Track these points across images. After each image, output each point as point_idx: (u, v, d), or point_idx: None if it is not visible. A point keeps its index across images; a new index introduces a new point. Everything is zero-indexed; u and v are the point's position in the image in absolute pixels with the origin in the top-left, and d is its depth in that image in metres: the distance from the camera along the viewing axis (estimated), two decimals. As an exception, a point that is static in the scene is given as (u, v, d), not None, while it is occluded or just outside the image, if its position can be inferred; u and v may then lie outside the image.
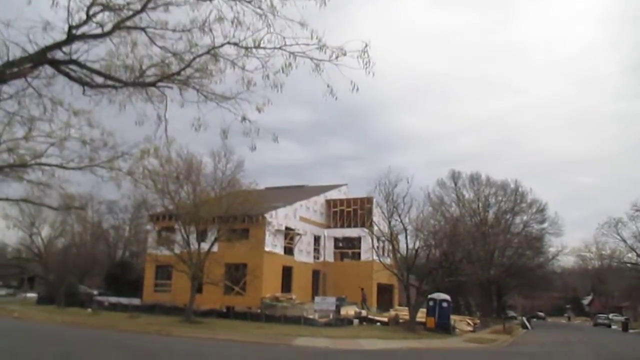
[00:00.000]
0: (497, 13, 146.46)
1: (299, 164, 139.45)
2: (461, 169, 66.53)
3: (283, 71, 9.70)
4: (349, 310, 39.07)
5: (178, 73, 9.98)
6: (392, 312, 41.48)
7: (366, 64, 9.33)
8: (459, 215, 58.17)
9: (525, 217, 65.27)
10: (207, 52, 9.88)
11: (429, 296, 35.37)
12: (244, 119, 10.38)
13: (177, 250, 36.56)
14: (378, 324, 36.64)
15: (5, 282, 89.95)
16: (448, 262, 36.45)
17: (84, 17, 9.84)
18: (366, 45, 9.21)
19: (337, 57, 9.41)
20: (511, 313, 76.85)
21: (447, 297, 35.63)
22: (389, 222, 37.08)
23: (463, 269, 37.65)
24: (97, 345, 22.34)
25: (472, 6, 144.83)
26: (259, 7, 9.82)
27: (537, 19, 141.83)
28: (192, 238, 35.78)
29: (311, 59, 9.52)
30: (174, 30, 10.24)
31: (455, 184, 65.44)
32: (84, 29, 9.86)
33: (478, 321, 43.31)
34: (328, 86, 9.65)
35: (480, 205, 64.37)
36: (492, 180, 64.51)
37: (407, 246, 36.61)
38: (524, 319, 56.11)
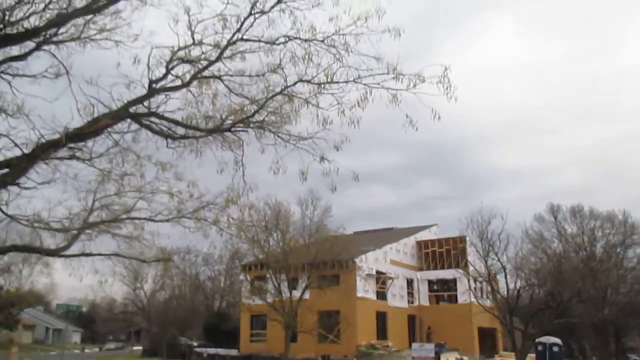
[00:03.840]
0: (589, 42, 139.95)
1: (388, 207, 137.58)
2: (561, 203, 62.11)
3: (359, 105, 9.34)
4: (449, 357, 36.90)
5: (252, 115, 9.89)
6: (498, 358, 38.69)
7: (447, 89, 8.75)
8: (562, 251, 54.28)
9: (639, 250, 59.52)
10: (281, 92, 9.74)
11: (537, 340, 32.54)
12: (322, 159, 10.02)
13: (269, 299, 36.60)
14: (482, 371, 34.22)
15: (114, 336, 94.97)
16: (555, 302, 33.69)
17: (164, 71, 10.09)
18: (446, 69, 8.66)
19: (414, 85, 8.92)
20: (633, 357, 69.32)
21: (558, 340, 32.62)
22: (485, 262, 35.11)
23: (573, 309, 34.69)
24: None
25: (558, 36, 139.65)
26: (332, 46, 9.64)
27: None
28: (284, 286, 35.74)
29: (387, 89, 9.09)
30: (249, 76, 10.25)
31: (555, 218, 61.20)
32: (163, 83, 10.09)
33: (596, 366, 39.28)
34: (407, 116, 9.13)
35: (586, 239, 59.55)
36: (596, 212, 59.69)
37: (507, 286, 34.38)
38: (649, 362, 50.32)
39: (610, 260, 56.87)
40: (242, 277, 47.83)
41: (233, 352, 42.71)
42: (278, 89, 9.97)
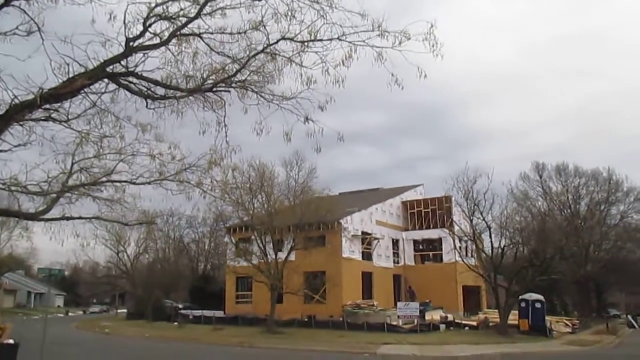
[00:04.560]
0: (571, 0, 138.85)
1: (374, 168, 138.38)
2: (546, 161, 62.71)
3: (343, 63, 9.25)
4: (434, 315, 37.87)
5: (234, 75, 9.76)
6: (481, 315, 39.80)
7: (433, 47, 8.69)
8: (546, 209, 55.28)
9: (622, 207, 60.69)
10: (263, 51, 9.59)
11: (520, 297, 33.58)
12: (306, 119, 9.98)
13: (254, 261, 37.03)
14: (466, 328, 35.23)
15: (99, 300, 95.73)
16: (538, 260, 34.54)
17: (141, 28, 9.86)
18: (432, 26, 8.59)
19: (400, 43, 8.85)
20: (613, 311, 71.73)
21: (540, 297, 33.70)
22: (471, 221, 35.65)
23: (555, 266, 35.53)
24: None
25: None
26: (316, 2, 9.46)
27: (616, 3, 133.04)
28: (269, 248, 36.14)
29: (372, 47, 9.00)
30: (230, 34, 10.05)
31: (540, 177, 62.10)
32: (141, 41, 9.87)
33: (577, 321, 40.60)
34: (392, 75, 9.09)
35: (570, 197, 60.65)
36: (581, 170, 60.58)
37: (492, 245, 35.10)
38: (630, 317, 52.02)
39: (593, 217, 58.12)
40: (226, 239, 48.17)
41: (219, 313, 43.35)
42: (260, 47, 9.81)
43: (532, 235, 35.57)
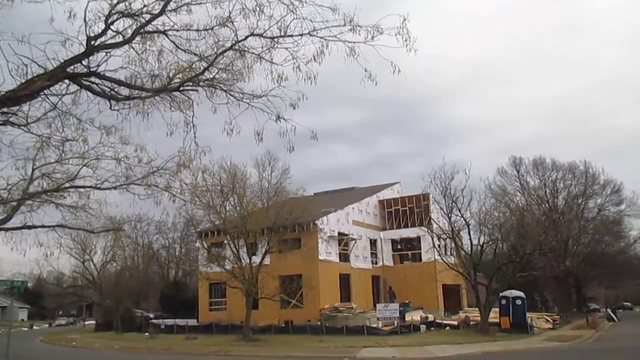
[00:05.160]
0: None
1: (349, 166, 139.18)
2: (523, 156, 63.84)
3: (315, 60, 9.30)
4: (414, 316, 38.18)
5: (202, 73, 9.71)
6: (462, 314, 40.29)
7: (406, 41, 8.80)
8: (524, 204, 56.23)
9: (599, 200, 62.23)
10: (231, 48, 9.58)
11: (501, 294, 34.12)
12: (278, 117, 10.00)
13: (228, 266, 36.82)
14: (447, 328, 35.59)
15: (65, 311, 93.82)
16: (518, 256, 35.13)
17: (103, 26, 9.73)
18: (404, 20, 8.70)
19: (372, 37, 8.94)
20: (593, 305, 73.48)
21: (521, 293, 34.28)
22: (449, 218, 36.04)
23: (535, 262, 36.16)
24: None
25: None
26: (286, -4, 9.46)
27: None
28: (243, 252, 35.96)
29: (344, 42, 9.08)
30: (197, 30, 10.00)
31: (518, 172, 63.23)
32: (103, 39, 9.74)
33: (557, 317, 41.44)
34: (366, 70, 9.17)
35: (548, 191, 61.93)
36: (558, 164, 61.88)
37: (470, 242, 35.48)
38: (609, 310, 53.33)
39: (571, 211, 59.43)
40: (198, 244, 47.77)
41: (192, 322, 42.95)
42: (228, 44, 9.81)
43: (511, 231, 36.13)
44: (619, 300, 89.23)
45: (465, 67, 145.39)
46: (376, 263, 49.34)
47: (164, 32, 9.95)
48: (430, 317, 38.23)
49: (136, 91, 10.18)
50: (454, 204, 35.35)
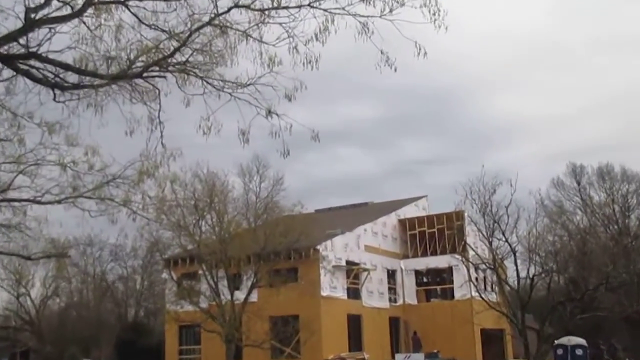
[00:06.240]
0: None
1: (361, 176, 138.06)
2: (585, 163, 63.70)
3: (317, 38, 9.34)
4: (444, 370, 38.11)
5: (172, 55, 9.76)
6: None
7: (434, 15, 8.86)
8: (587, 225, 56.15)
9: (684, 221, 62.16)
10: (210, 23, 9.62)
11: (556, 342, 33.93)
12: (269, 112, 10.04)
13: (203, 303, 36.77)
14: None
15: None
16: (579, 293, 35.11)
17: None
18: (433, -14, 8.77)
19: (391, 10, 8.99)
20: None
21: (582, 341, 34.08)
22: (490, 243, 36.06)
23: (601, 300, 35.99)
24: None
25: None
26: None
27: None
28: (223, 286, 35.93)
29: (354, 15, 9.12)
30: (166, 0, 10.06)
31: (579, 183, 63.17)
32: (46, 12, 9.81)
33: (630, 371, 41.35)
34: (382, 53, 9.21)
35: (617, 209, 61.75)
36: (630, 174, 61.70)
37: (517, 275, 35.49)
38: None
39: (647, 235, 59.19)
40: (165, 275, 47.68)
41: (157, 375, 42.92)
42: (206, 19, 9.85)
43: (569, 260, 36.20)
44: None
45: (513, 48, 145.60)
46: (395, 301, 49.23)
47: (124, 3, 10.01)
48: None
49: (87, 78, 10.23)
50: (496, 224, 35.37)
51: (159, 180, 11.91)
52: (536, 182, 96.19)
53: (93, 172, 12.80)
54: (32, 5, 9.60)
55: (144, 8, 10.09)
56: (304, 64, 9.68)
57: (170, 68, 10.01)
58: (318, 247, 40.61)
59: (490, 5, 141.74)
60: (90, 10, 9.98)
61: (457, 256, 43.65)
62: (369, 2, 9.17)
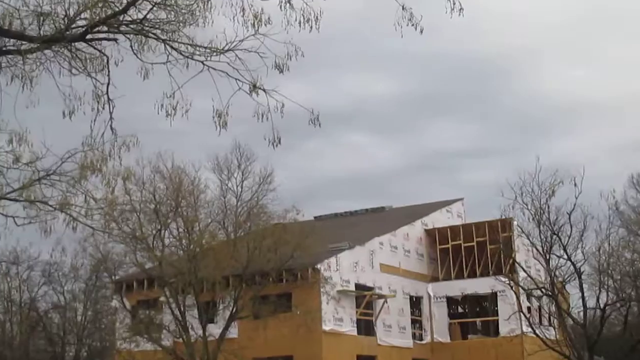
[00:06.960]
0: None
1: (376, 171, 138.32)
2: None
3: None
4: None
5: (124, 11, 9.78)
6: None
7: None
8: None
9: None
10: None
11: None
12: (254, 87, 10.06)
13: (167, 341, 36.83)
14: None
15: None
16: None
17: None
18: None
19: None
20: None
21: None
22: (547, 262, 36.08)
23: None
24: None
25: None
26: None
27: None
28: (192, 317, 35.98)
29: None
30: None
31: (662, 182, 63.33)
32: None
33: None
34: (403, 9, 9.23)
35: None
36: None
37: (584, 304, 35.52)
38: None
39: None
40: (115, 303, 47.78)
41: None
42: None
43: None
44: None
45: (576, 7, 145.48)
46: (421, 338, 49.38)
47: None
48: None
49: (12, 41, 10.27)
50: (555, 237, 35.42)
51: (107, 177, 11.84)
52: (609, 181, 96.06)
53: (19, 166, 12.76)
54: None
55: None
56: (300, 23, 9.72)
57: (123, 28, 10.03)
58: (318, 266, 40.65)
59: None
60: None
61: (503, 279, 43.65)
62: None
